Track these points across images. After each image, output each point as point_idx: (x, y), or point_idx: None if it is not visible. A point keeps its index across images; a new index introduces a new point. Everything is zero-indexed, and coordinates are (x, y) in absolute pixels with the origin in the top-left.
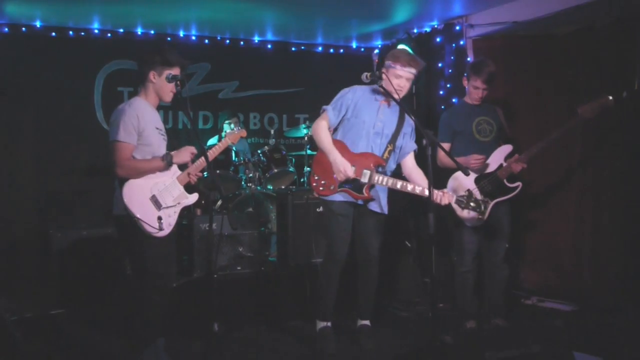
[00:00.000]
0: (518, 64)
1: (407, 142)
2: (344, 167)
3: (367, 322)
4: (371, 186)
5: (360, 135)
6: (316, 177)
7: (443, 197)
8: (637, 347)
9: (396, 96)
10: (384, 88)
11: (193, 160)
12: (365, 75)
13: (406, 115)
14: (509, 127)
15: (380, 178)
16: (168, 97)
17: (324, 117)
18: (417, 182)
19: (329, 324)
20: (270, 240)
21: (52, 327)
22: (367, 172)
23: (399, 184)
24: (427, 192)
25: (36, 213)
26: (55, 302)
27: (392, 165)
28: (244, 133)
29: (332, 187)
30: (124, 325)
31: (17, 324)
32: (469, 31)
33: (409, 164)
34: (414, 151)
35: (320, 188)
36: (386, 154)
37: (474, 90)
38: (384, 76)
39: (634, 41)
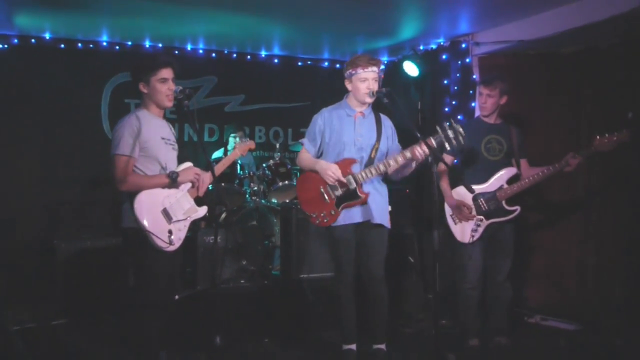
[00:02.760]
0: (523, 82)
1: (392, 145)
2: (330, 170)
3: (382, 346)
4: (362, 185)
5: (344, 157)
6: (313, 215)
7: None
8: None
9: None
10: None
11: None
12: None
13: (383, 118)
14: (519, 148)
15: (364, 173)
16: (165, 100)
17: (302, 150)
18: None
19: (353, 347)
20: (273, 254)
21: (54, 337)
22: (349, 177)
23: (381, 166)
24: (408, 154)
25: (41, 223)
26: (59, 312)
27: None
28: (252, 145)
29: (332, 212)
30: (126, 338)
31: (19, 334)
32: (474, 49)
33: None
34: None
35: (325, 220)
36: (374, 153)
37: (479, 97)
38: (349, 87)
39: (638, 62)
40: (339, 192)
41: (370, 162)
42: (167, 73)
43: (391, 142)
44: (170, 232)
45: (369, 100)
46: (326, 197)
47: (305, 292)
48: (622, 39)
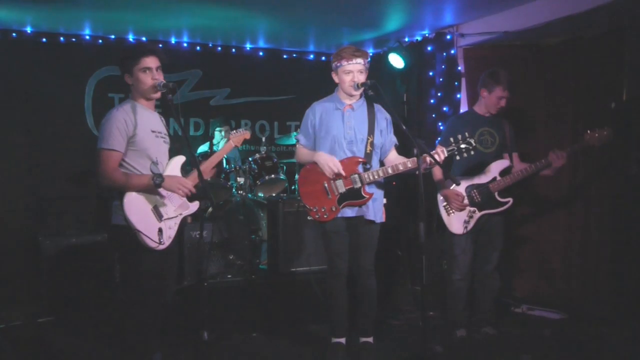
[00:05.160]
0: (508, 73)
1: (386, 138)
2: (331, 163)
3: (369, 339)
4: (367, 185)
5: (335, 150)
6: (313, 209)
7: (438, 153)
8: (624, 355)
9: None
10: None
11: (187, 171)
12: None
13: (376, 110)
14: (511, 142)
15: (371, 175)
16: (150, 91)
17: (299, 146)
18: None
19: (342, 340)
20: (260, 248)
21: (40, 335)
22: (355, 177)
23: (390, 170)
24: (417, 163)
25: (26, 219)
26: (44, 309)
27: (375, 165)
28: (247, 135)
29: (333, 209)
30: (114, 336)
31: (4, 332)
32: (459, 40)
33: (391, 158)
34: (395, 145)
35: (325, 216)
36: (369, 147)
37: (498, 100)
38: (336, 79)
39: (622, 52)
40: (343, 189)
41: (368, 157)
42: (150, 62)
43: (386, 135)
44: (160, 230)
45: (354, 92)
46: (329, 193)
47: (293, 286)
48: (607, 28)
